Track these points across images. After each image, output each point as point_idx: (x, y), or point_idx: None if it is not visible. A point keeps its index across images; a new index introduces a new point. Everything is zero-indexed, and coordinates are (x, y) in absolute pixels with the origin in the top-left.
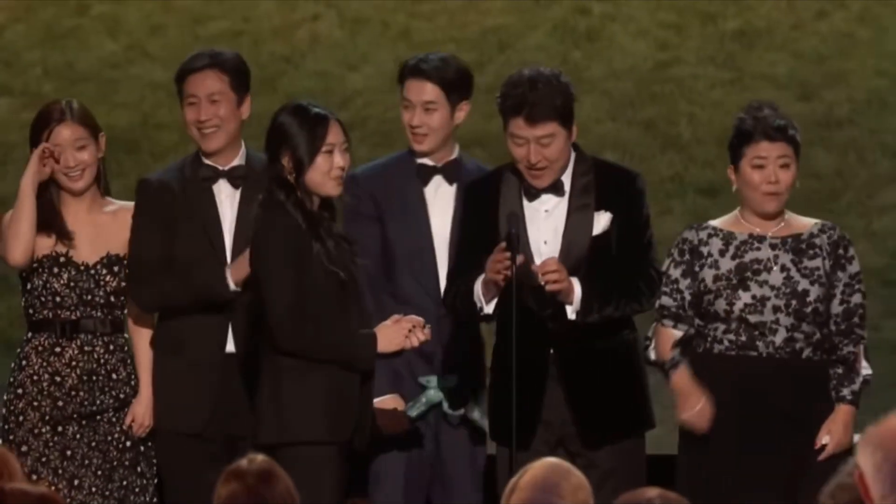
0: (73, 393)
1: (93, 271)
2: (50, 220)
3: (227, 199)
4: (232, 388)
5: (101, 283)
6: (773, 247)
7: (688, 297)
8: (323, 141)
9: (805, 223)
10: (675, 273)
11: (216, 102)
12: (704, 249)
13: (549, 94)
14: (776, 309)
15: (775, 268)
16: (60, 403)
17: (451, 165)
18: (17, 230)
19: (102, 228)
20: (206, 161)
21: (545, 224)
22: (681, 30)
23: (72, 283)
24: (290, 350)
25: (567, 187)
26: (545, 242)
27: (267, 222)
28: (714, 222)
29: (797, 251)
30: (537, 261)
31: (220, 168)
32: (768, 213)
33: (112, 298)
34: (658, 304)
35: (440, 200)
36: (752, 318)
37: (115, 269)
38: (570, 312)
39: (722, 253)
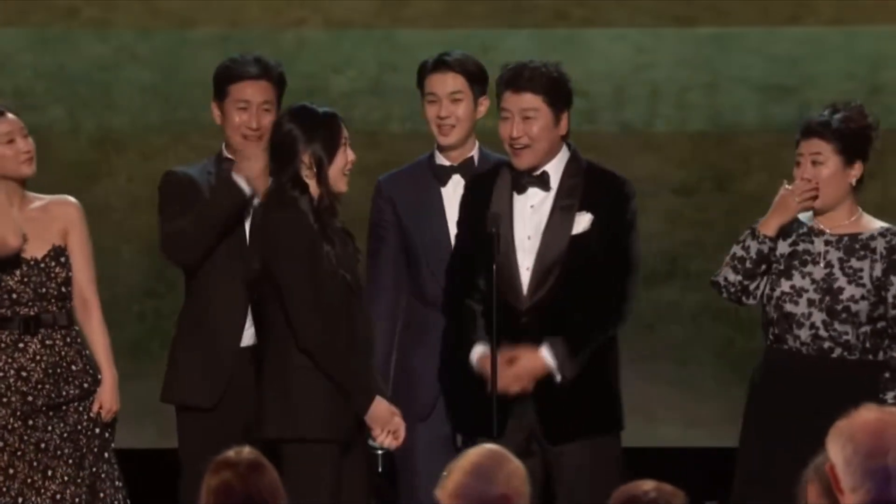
0: (40, 386)
1: (42, 265)
2: None
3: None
4: (251, 376)
5: (52, 274)
6: (826, 242)
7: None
8: (341, 135)
9: (871, 225)
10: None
11: (267, 111)
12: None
13: (539, 71)
14: (810, 302)
15: (821, 263)
16: (30, 398)
17: (468, 163)
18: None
19: (38, 223)
20: (228, 155)
21: (530, 219)
22: (657, 34)
23: (25, 279)
24: (309, 349)
25: (554, 184)
26: (528, 237)
27: (282, 221)
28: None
29: (848, 250)
30: (519, 255)
31: None
32: (814, 209)
33: (63, 289)
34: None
35: (458, 199)
36: (787, 307)
37: (62, 259)
38: (557, 378)
39: (785, 237)
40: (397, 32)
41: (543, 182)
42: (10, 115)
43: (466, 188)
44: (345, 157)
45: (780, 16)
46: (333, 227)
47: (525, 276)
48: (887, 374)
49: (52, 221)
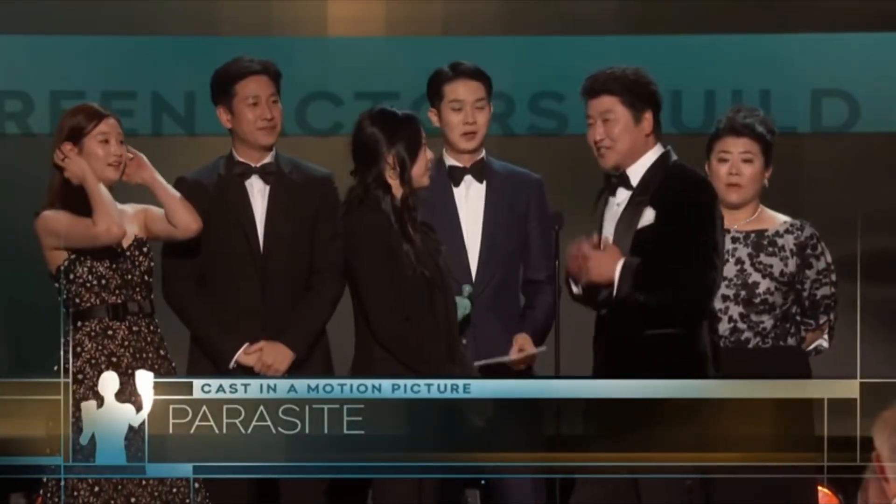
0: (130, 371)
1: (128, 253)
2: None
3: (258, 193)
4: None
5: (136, 262)
6: (734, 240)
7: None
8: (421, 136)
9: (775, 220)
10: None
11: (276, 104)
12: None
13: (616, 74)
14: (725, 297)
15: (731, 260)
16: None
17: (479, 165)
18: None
19: (123, 214)
20: (240, 159)
21: (617, 218)
22: None
23: (114, 266)
24: (385, 344)
25: (635, 183)
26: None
27: (358, 221)
28: None
29: (757, 246)
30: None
31: (253, 165)
32: (731, 203)
33: (146, 278)
34: None
35: (471, 198)
36: None
37: (144, 249)
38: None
39: None
40: None
41: (624, 182)
42: (111, 119)
43: None
44: (426, 156)
45: None
46: (413, 217)
47: None
48: (813, 324)
49: (134, 215)
